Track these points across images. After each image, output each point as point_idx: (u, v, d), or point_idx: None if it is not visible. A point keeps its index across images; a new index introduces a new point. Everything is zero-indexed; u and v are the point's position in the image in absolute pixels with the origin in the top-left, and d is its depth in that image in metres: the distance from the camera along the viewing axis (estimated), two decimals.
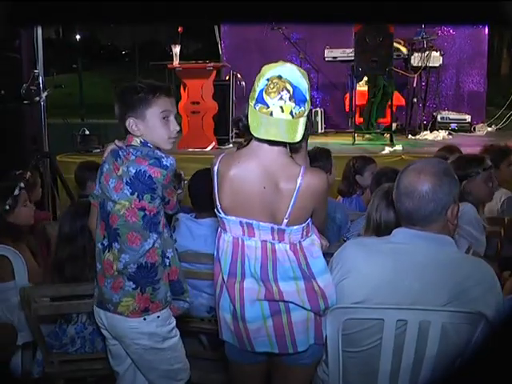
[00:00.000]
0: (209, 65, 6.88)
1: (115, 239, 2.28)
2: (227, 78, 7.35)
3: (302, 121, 1.97)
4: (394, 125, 7.98)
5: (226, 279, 2.14)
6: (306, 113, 1.98)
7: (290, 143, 2.02)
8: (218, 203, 2.12)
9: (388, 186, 2.54)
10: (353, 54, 7.31)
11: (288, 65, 1.99)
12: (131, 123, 2.26)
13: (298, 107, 1.94)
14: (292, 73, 1.96)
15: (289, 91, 1.93)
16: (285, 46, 8.81)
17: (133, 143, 2.29)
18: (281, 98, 1.93)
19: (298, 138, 1.96)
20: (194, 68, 6.98)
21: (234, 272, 2.11)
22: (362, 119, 8.00)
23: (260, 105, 1.95)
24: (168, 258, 2.34)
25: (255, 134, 1.97)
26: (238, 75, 7.31)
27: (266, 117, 1.94)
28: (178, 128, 2.32)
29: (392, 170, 3.45)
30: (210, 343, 3.23)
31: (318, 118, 8.49)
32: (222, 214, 2.11)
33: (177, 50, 6.92)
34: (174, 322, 2.40)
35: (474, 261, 2.18)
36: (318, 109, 8.67)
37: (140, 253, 2.26)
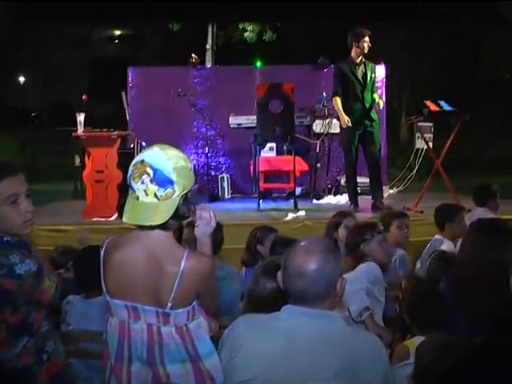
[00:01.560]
0: (113, 134, 6.84)
1: None
2: (132, 145, 7.33)
3: (170, 202, 2.00)
4: (299, 189, 8.15)
5: (113, 363, 2.10)
6: (175, 194, 2.01)
7: (156, 226, 2.02)
8: (103, 287, 2.11)
9: (269, 260, 2.61)
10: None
11: (155, 148, 2.04)
12: None
13: (162, 189, 1.98)
14: (155, 156, 2.01)
15: (149, 174, 1.97)
16: (191, 112, 8.88)
17: None
18: (142, 182, 1.98)
19: (164, 219, 1.99)
20: (98, 137, 6.92)
21: (120, 356, 2.08)
22: (267, 185, 8.13)
23: (131, 191, 2.02)
24: (46, 351, 2.21)
25: (124, 220, 2.02)
26: (143, 143, 7.31)
27: (133, 202, 2.00)
28: (30, 208, 2.12)
29: (287, 239, 3.52)
30: None
31: (225, 184, 8.60)
32: (108, 298, 2.10)
33: (81, 118, 6.85)
34: None
35: (359, 333, 2.25)
36: (224, 175, 8.80)
37: (10, 357, 2.14)
